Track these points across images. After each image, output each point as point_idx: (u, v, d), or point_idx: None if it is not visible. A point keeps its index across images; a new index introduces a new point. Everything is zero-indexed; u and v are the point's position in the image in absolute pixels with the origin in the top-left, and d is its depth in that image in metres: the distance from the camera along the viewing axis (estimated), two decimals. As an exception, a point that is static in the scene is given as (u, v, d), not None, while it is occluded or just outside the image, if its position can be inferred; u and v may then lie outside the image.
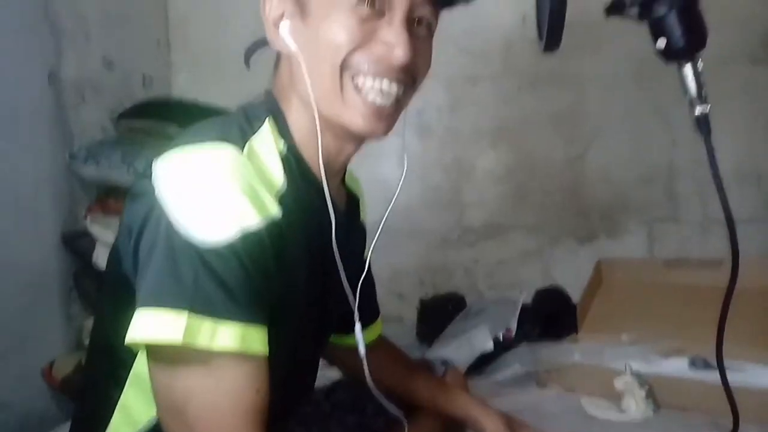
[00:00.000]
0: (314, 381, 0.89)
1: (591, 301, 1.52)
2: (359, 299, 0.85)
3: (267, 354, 0.58)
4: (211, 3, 1.97)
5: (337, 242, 0.69)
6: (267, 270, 0.58)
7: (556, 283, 1.77)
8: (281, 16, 0.66)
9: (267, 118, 0.66)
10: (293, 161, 0.66)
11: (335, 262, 0.71)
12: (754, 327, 1.24)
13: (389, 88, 0.64)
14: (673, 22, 0.60)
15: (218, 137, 0.60)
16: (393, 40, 0.63)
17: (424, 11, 0.66)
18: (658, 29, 0.61)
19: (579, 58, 1.71)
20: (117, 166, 1.43)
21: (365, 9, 0.62)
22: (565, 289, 1.69)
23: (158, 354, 0.56)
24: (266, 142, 0.64)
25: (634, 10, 0.62)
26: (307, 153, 0.68)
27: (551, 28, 0.60)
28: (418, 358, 1.13)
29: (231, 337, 0.54)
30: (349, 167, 0.83)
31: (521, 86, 1.79)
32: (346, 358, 0.91)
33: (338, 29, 0.63)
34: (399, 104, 0.67)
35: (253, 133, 0.63)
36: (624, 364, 1.16)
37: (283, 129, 0.67)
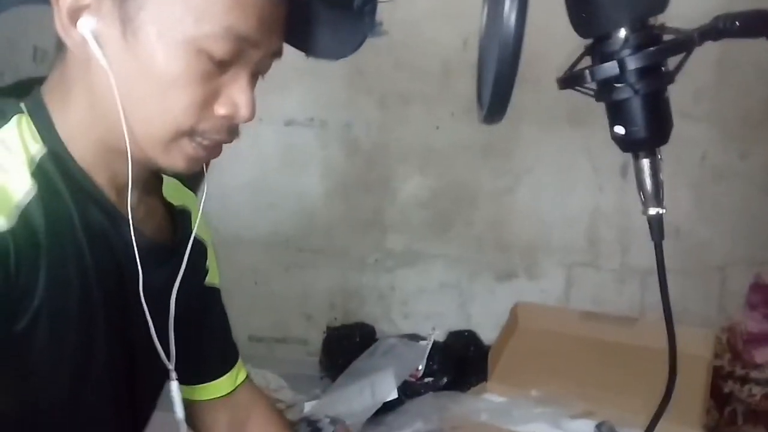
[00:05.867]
0: None
1: (504, 347, 1.46)
2: (207, 341, 0.72)
3: None
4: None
5: (146, 271, 0.58)
6: None
7: (471, 318, 1.72)
8: (84, 8, 0.52)
9: (15, 116, 0.54)
10: (55, 169, 0.54)
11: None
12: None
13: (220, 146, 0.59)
14: (636, 109, 0.51)
15: None
16: (239, 101, 0.55)
17: (267, 65, 0.58)
18: (617, 114, 0.53)
19: (516, 91, 1.65)
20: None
21: (211, 65, 0.53)
22: (479, 327, 1.64)
23: None
24: (6, 142, 0.53)
25: (592, 87, 0.53)
26: (84, 163, 0.57)
27: (495, 97, 0.50)
28: (306, 415, 1.03)
29: None
30: (169, 178, 0.71)
31: (455, 112, 1.71)
32: (204, 418, 0.78)
33: (179, 91, 0.52)
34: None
35: None
36: (530, 429, 1.11)
37: (44, 130, 0.55)
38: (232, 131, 0.57)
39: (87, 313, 0.55)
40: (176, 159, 0.56)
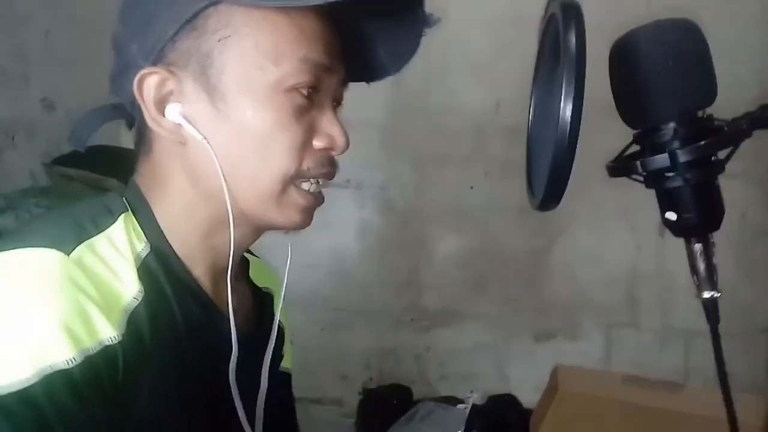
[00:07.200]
0: None
1: (545, 412, 1.43)
2: (272, 426, 0.69)
3: None
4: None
5: (236, 362, 0.57)
6: (85, 415, 0.45)
7: (509, 379, 1.69)
8: (168, 95, 0.54)
9: (122, 215, 0.54)
10: (158, 267, 0.54)
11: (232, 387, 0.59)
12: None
13: (324, 185, 0.59)
14: (687, 197, 0.52)
15: (46, 239, 0.49)
16: (333, 132, 0.57)
17: (341, 93, 0.60)
18: (668, 201, 0.54)
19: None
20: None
21: (301, 99, 0.54)
22: (517, 389, 1.62)
23: None
24: (115, 243, 0.52)
25: (642, 174, 0.54)
26: (184, 254, 0.57)
27: (551, 189, 0.51)
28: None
29: None
30: (256, 257, 0.71)
31: (488, 172, 1.73)
32: None
33: (279, 135, 0.54)
34: None
35: (98, 232, 0.52)
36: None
37: (147, 226, 0.56)
38: (332, 163, 0.58)
39: (186, 413, 0.55)
40: (290, 212, 0.57)
